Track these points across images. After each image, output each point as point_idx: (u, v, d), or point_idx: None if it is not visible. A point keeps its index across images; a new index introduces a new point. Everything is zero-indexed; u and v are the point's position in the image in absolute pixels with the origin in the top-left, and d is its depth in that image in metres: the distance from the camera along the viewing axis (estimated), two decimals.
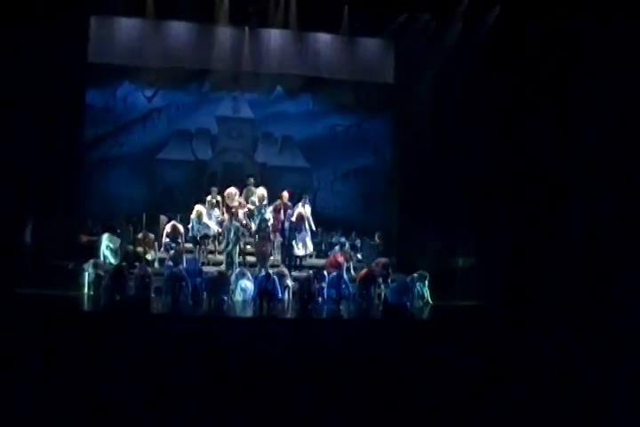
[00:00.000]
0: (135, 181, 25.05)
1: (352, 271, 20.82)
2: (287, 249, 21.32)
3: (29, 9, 19.47)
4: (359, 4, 22.69)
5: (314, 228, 21.95)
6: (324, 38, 24.09)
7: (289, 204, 21.84)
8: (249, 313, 18.04)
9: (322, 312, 18.64)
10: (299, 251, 21.46)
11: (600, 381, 8.52)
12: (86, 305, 18.21)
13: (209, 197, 21.82)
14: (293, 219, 21.31)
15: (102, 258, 20.24)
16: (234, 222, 21.02)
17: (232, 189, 22.31)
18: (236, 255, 20.92)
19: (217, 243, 21.75)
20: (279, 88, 25.49)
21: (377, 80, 24.88)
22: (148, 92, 25.48)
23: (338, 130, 26.55)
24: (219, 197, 22.04)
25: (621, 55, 18.68)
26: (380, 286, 19.93)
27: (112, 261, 20.31)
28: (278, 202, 21.79)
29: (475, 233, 21.71)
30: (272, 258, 21.16)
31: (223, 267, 20.40)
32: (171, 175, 25.67)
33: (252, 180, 23.23)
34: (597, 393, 7.79)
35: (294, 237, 21.28)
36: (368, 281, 19.70)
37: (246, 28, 23.48)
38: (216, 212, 21.65)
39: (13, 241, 19.53)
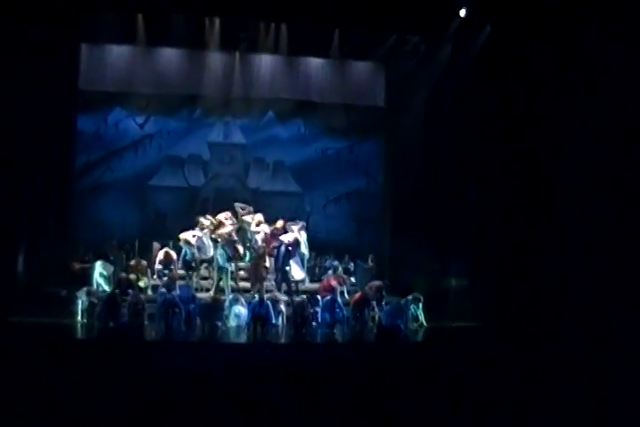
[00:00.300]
0: (127, 208, 25.00)
1: (346, 295, 20.75)
2: (282, 274, 21.22)
3: (21, 36, 19.51)
4: (349, 27, 22.78)
5: (307, 253, 21.93)
6: (314, 62, 24.22)
7: (281, 231, 21.83)
8: (243, 339, 17.99)
9: (316, 336, 18.61)
10: (294, 276, 21.40)
11: (596, 401, 8.50)
12: (79, 333, 18.16)
13: (202, 221, 21.83)
14: (287, 241, 21.21)
15: (95, 285, 20.16)
16: (219, 249, 20.94)
17: (223, 215, 22.26)
18: (227, 281, 20.83)
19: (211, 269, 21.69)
20: (270, 113, 25.52)
21: (368, 103, 24.99)
22: (140, 119, 25.48)
23: (329, 153, 26.56)
24: (207, 223, 21.96)
25: (612, 75, 18.73)
26: (373, 309, 19.91)
27: (105, 288, 20.23)
28: (273, 227, 21.78)
29: (467, 254, 21.72)
30: (266, 283, 21.08)
31: (212, 293, 20.34)
32: (163, 201, 25.63)
33: (250, 208, 23.08)
34: (594, 413, 7.77)
35: (288, 263, 21.20)
36: (362, 304, 19.68)
37: (237, 54, 23.62)
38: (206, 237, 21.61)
39: (5, 269, 19.49)
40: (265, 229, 21.86)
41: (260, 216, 22.38)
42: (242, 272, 21.92)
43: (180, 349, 15.84)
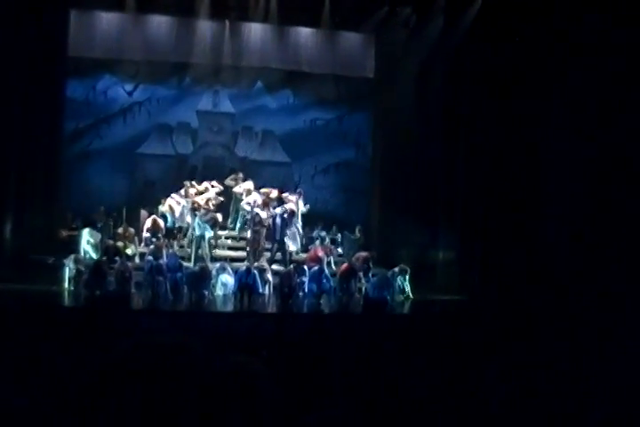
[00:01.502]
0: (115, 175, 24.99)
1: (333, 266, 20.82)
2: (279, 244, 21.24)
3: (10, 3, 19.38)
4: None
5: (300, 224, 21.97)
6: (304, 32, 24.14)
7: (275, 201, 21.84)
8: (229, 308, 18.04)
9: (302, 307, 18.67)
10: (291, 247, 21.42)
11: (584, 375, 8.54)
12: (66, 300, 18.17)
13: (182, 191, 21.91)
14: (282, 211, 21.24)
15: (83, 253, 20.16)
16: (197, 218, 20.95)
17: (205, 184, 22.30)
18: (205, 250, 20.83)
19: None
20: (259, 82, 25.50)
21: (358, 74, 24.97)
22: (129, 86, 25.42)
23: (318, 124, 26.53)
24: (191, 190, 22.04)
25: (604, 50, 18.72)
26: (360, 281, 19.97)
27: (93, 255, 20.23)
28: (266, 197, 21.74)
29: (455, 227, 21.73)
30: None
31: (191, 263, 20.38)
32: (151, 169, 25.63)
33: (240, 174, 23.25)
34: (582, 388, 7.81)
35: (285, 233, 21.22)
36: (349, 275, 19.71)
37: (227, 22, 23.51)
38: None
39: None
40: (257, 198, 21.79)
41: (249, 184, 22.41)
42: (229, 241, 21.96)
43: (166, 318, 15.87)
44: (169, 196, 21.84)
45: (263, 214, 21.05)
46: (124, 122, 25.50)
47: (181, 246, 21.60)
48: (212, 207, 21.54)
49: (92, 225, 21.28)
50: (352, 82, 25.33)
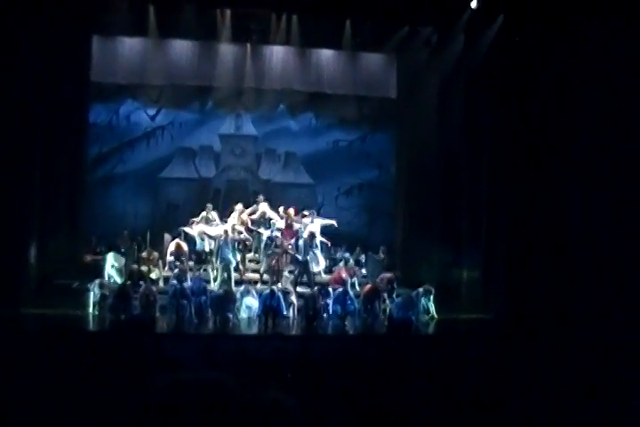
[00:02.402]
0: (139, 199, 25.04)
1: (357, 287, 20.78)
2: (305, 266, 21.23)
3: (33, 29, 19.53)
4: (360, 18, 22.74)
5: (324, 242, 21.90)
6: (325, 54, 24.20)
7: (295, 220, 21.84)
8: (254, 331, 18.03)
9: (327, 328, 18.64)
10: (315, 267, 21.38)
11: (608, 394, 8.46)
12: (91, 325, 18.21)
13: (203, 213, 21.89)
14: (305, 235, 21.23)
15: (107, 277, 20.18)
16: (228, 242, 20.90)
17: (238, 207, 22.29)
18: (231, 273, 20.80)
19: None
20: (282, 104, 25.51)
21: (380, 95, 24.99)
22: (151, 111, 25.50)
23: (341, 145, 26.50)
24: (213, 213, 22.03)
25: (627, 64, 18.68)
26: (384, 302, 19.92)
27: (117, 280, 20.24)
28: (287, 217, 21.75)
29: (479, 246, 21.67)
30: (286, 274, 21.03)
31: (216, 285, 20.37)
32: (174, 193, 25.68)
33: (261, 197, 23.16)
34: (605, 406, 7.73)
35: (308, 253, 21.19)
36: (373, 296, 19.68)
37: (248, 45, 23.58)
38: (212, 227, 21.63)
39: (18, 261, 19.52)
40: (278, 222, 21.80)
41: (263, 206, 22.36)
42: (252, 264, 21.97)
43: (191, 341, 15.86)
44: (192, 219, 21.84)
45: (285, 240, 21.07)
46: (147, 146, 25.57)
47: (204, 270, 21.56)
48: (243, 231, 21.53)
49: (116, 249, 21.32)
50: (374, 102, 25.35)
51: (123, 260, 21.02)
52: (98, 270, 20.46)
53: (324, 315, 19.10)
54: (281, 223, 21.82)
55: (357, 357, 12.21)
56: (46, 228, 20.68)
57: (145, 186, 25.27)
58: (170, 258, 20.92)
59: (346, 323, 18.80)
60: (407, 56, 24.11)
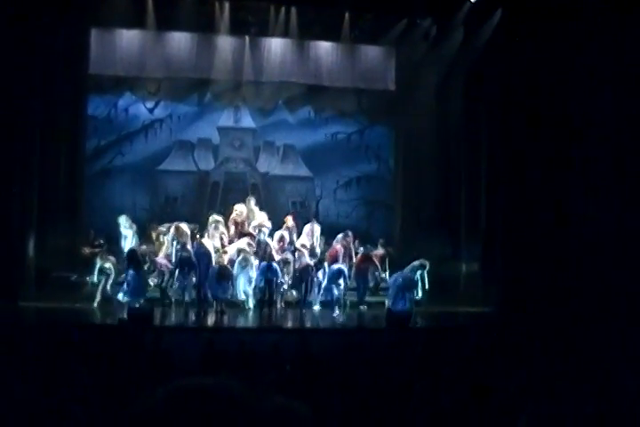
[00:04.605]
0: (137, 192, 25.00)
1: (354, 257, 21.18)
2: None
3: (31, 21, 19.50)
4: (359, 11, 22.72)
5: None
6: (324, 46, 24.13)
7: (293, 225, 21.69)
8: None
9: (325, 317, 18.89)
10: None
11: (607, 386, 8.45)
12: (91, 317, 18.24)
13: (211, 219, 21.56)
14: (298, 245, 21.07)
15: (122, 238, 21.05)
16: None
17: (239, 209, 22.02)
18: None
19: None
20: (280, 97, 25.43)
21: (378, 87, 24.91)
22: (150, 103, 25.42)
23: (340, 138, 26.44)
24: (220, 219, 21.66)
25: (624, 60, 18.67)
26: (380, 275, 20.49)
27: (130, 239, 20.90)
28: (285, 226, 21.59)
29: (478, 239, 21.68)
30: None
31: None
32: (173, 186, 25.63)
33: (252, 200, 22.69)
34: (604, 399, 7.72)
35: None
36: (365, 268, 20.20)
37: (247, 38, 23.52)
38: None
39: (16, 254, 19.53)
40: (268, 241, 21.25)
41: (262, 217, 21.94)
42: None
43: (190, 333, 15.91)
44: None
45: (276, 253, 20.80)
46: (146, 139, 25.51)
47: None
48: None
49: (114, 241, 21.37)
50: (373, 95, 25.27)
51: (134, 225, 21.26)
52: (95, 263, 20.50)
53: (316, 289, 19.53)
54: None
55: (356, 350, 12.22)
56: (44, 220, 20.66)
57: (143, 179, 25.23)
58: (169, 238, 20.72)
59: (337, 311, 19.05)
60: (406, 49, 24.07)
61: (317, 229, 21.94)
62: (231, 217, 21.72)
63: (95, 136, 24.51)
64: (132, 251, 19.19)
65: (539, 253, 20.23)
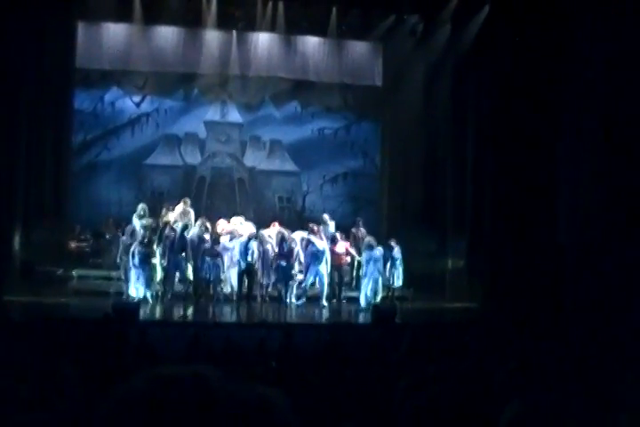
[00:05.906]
0: (123, 186, 24.97)
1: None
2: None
3: (17, 15, 19.41)
4: (347, 6, 22.72)
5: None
6: (311, 42, 24.14)
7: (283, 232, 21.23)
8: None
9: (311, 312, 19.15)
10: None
11: (598, 382, 8.46)
12: (75, 312, 18.14)
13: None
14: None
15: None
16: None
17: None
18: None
19: None
20: (267, 92, 25.44)
21: (365, 83, 24.95)
22: (137, 98, 25.40)
23: (326, 133, 26.46)
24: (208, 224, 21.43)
25: (613, 55, 18.67)
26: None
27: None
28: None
29: (464, 235, 21.69)
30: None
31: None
32: (159, 180, 25.60)
33: (189, 201, 22.18)
34: (595, 393, 7.73)
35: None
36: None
37: (234, 32, 23.50)
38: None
39: (1, 248, 19.44)
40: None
41: (249, 227, 21.28)
42: None
43: (175, 329, 15.88)
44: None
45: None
46: (132, 133, 25.49)
47: None
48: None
49: (102, 236, 21.32)
50: (360, 90, 25.31)
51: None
52: (82, 257, 20.46)
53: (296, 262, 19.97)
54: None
55: (341, 346, 12.22)
56: (30, 215, 20.58)
57: (130, 173, 25.21)
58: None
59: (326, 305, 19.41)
60: (393, 45, 24.08)
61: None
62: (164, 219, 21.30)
63: (81, 130, 24.49)
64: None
65: (524, 248, 20.24)
